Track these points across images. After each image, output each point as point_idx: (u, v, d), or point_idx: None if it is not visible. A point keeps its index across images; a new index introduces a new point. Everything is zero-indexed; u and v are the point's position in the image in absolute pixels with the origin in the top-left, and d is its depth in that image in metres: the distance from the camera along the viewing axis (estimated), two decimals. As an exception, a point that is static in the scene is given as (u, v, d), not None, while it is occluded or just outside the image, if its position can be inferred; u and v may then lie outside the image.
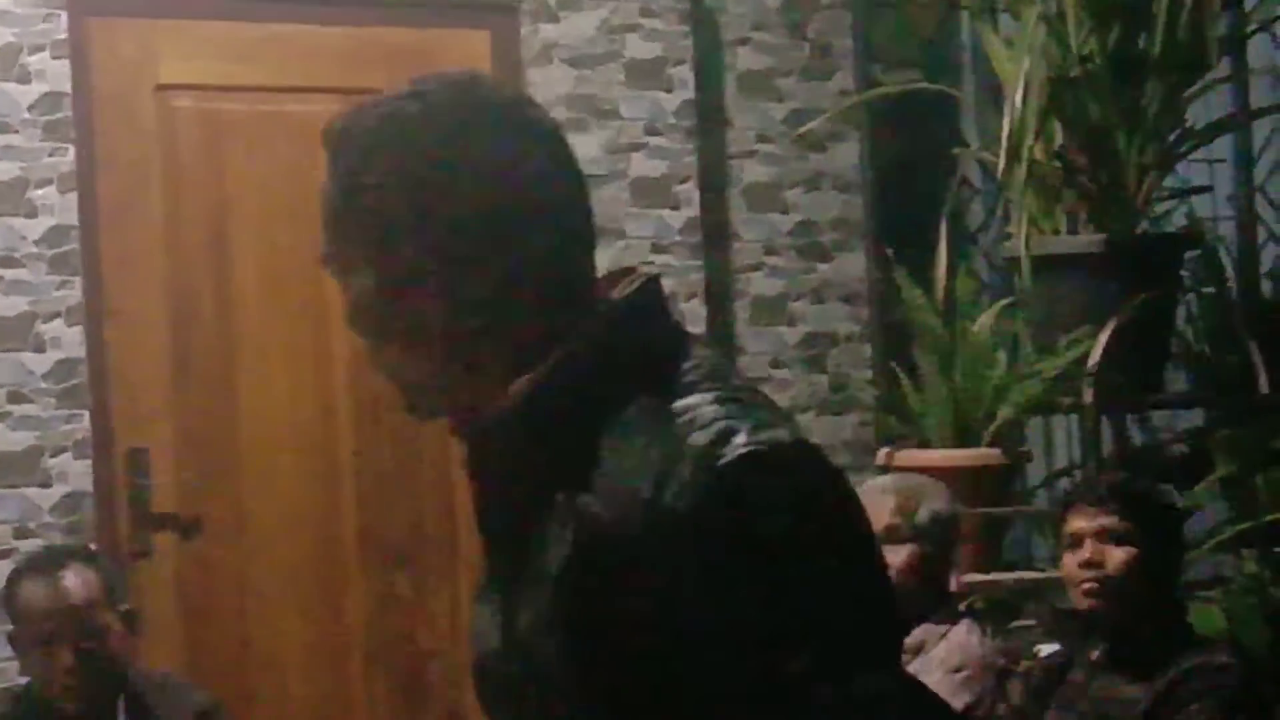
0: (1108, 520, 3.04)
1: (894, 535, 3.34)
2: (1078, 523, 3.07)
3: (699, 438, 1.38)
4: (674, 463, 1.37)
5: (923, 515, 3.38)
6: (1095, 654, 3.10)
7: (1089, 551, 3.03)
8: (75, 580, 3.04)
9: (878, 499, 3.37)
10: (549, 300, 1.45)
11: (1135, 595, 3.01)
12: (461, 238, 1.43)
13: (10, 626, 3.16)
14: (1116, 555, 3.02)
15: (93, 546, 3.93)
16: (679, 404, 1.41)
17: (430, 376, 1.48)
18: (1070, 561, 3.07)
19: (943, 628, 3.37)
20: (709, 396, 1.41)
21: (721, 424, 1.38)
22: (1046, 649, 3.42)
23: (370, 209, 1.45)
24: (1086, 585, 3.03)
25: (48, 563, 3.11)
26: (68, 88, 4.04)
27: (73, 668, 3.01)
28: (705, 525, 1.35)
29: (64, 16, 4.04)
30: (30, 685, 3.15)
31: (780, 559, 1.35)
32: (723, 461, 1.37)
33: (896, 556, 3.33)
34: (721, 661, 1.35)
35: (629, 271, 1.51)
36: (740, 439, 1.37)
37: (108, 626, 3.04)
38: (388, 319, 1.47)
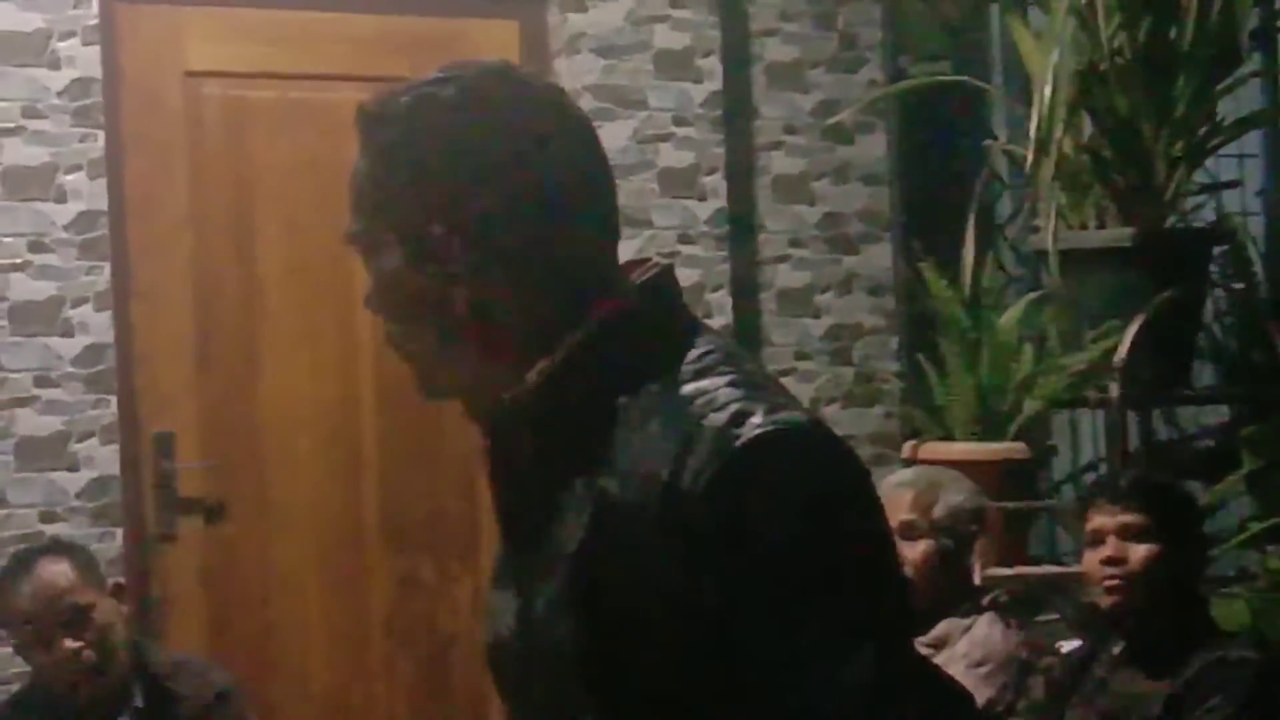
0: (1128, 517, 3.02)
1: (910, 531, 3.32)
2: (1099, 520, 3.05)
3: (715, 419, 1.39)
4: (691, 444, 1.38)
5: (939, 510, 3.35)
6: (1116, 649, 3.09)
7: (1111, 549, 3.02)
8: (50, 570, 3.10)
9: (895, 494, 3.35)
10: (571, 285, 1.46)
11: (1157, 591, 2.99)
12: (490, 220, 1.44)
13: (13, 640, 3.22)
14: (1138, 551, 3.00)
15: (118, 530, 3.97)
16: (694, 386, 1.42)
17: (449, 357, 1.49)
18: (1091, 559, 3.05)
19: (966, 621, 3.35)
20: (723, 380, 1.42)
21: (737, 405, 1.39)
22: (1068, 644, 3.40)
23: (402, 188, 1.46)
24: (1108, 582, 3.01)
25: (19, 565, 3.17)
26: (98, 73, 4.05)
27: (74, 652, 3.05)
28: (722, 505, 1.36)
29: (94, 2, 4.05)
30: (38, 681, 3.18)
31: (795, 539, 1.36)
32: (739, 442, 1.37)
33: (913, 552, 3.31)
34: (735, 642, 1.36)
35: (644, 261, 1.52)
36: (756, 420, 1.38)
37: (94, 604, 3.08)
38: (413, 298, 1.47)
